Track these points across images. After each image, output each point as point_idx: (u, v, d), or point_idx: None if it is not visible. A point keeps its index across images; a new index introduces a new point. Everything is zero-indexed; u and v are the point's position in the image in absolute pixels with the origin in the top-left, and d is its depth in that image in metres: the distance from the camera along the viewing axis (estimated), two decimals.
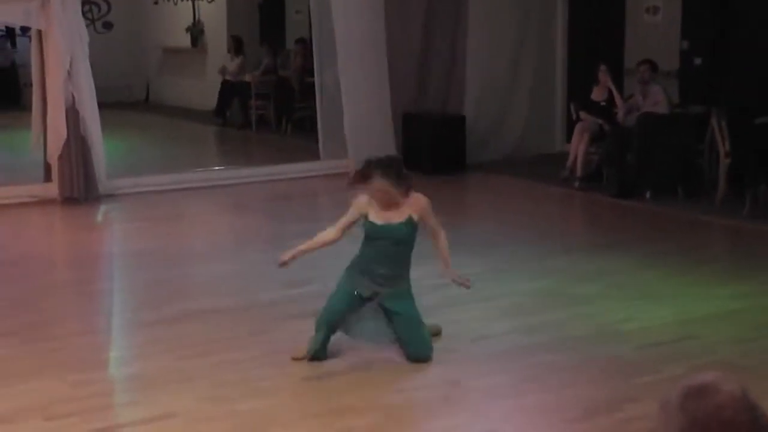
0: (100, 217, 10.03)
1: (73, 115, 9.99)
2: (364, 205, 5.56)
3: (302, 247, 5.75)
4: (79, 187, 10.08)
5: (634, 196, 9.91)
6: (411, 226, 5.52)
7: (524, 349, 5.70)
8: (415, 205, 5.54)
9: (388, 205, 5.49)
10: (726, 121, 9.35)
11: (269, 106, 15.78)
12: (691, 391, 1.66)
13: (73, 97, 9.98)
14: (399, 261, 5.57)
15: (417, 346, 5.51)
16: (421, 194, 5.61)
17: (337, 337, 5.67)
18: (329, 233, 5.69)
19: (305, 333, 6.00)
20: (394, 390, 5.12)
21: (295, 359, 5.54)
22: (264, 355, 5.66)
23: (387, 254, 5.53)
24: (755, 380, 4.74)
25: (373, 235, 5.53)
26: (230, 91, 16.18)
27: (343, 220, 5.65)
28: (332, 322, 5.54)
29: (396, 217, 5.51)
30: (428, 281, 6.43)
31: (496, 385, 5.22)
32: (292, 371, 5.38)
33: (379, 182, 5.43)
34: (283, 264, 5.70)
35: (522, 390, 5.12)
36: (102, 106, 10.62)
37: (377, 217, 5.52)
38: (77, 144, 10.03)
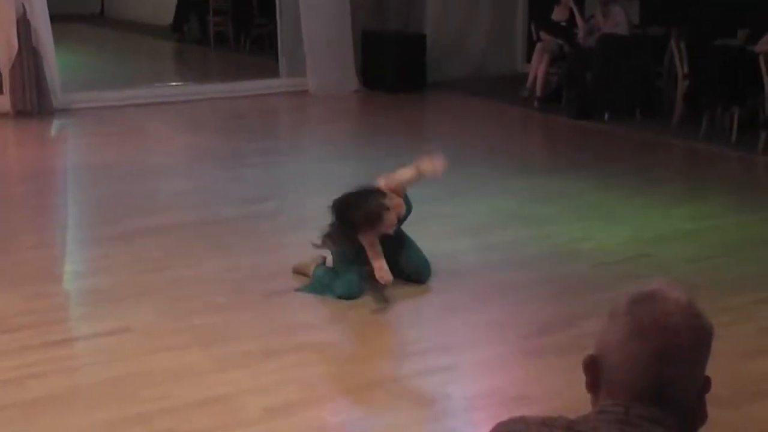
0: (54, 132, 9.90)
1: (24, 26, 9.78)
2: None
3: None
4: (32, 101, 9.92)
5: (592, 117, 9.93)
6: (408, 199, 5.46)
7: (481, 267, 5.73)
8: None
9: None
10: (685, 43, 9.35)
11: (228, 22, 15.56)
12: (639, 299, 1.68)
13: (24, 7, 9.76)
14: None
15: (427, 269, 5.50)
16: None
17: (297, 257, 5.69)
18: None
19: (262, 249, 6.01)
20: (352, 307, 5.14)
21: (296, 273, 5.52)
22: (222, 270, 5.65)
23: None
24: (707, 298, 4.81)
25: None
26: (188, 6, 15.94)
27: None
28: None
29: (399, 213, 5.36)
30: None
31: (452, 302, 5.25)
32: (250, 287, 5.38)
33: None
34: None
35: (477, 307, 5.16)
36: (54, 18, 10.41)
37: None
38: (29, 56, 9.84)
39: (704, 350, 1.68)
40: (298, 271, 5.51)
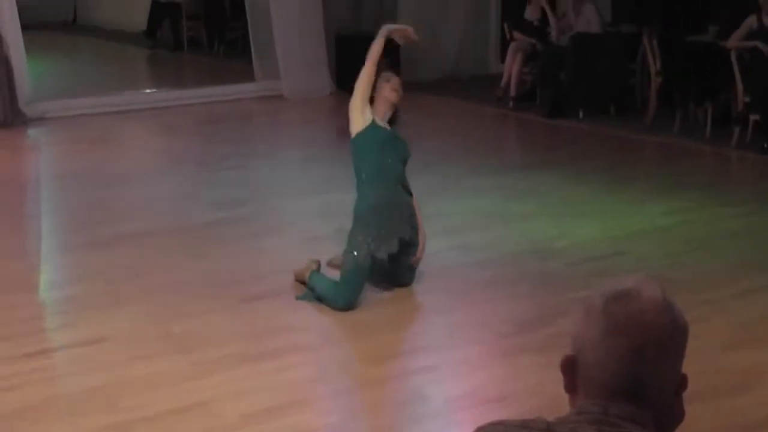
0: (28, 141, 9.82)
1: None
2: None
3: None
4: (4, 111, 9.83)
5: (567, 115, 9.96)
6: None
7: (458, 266, 5.74)
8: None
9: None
10: (657, 40, 9.40)
11: (201, 27, 15.51)
12: (614, 296, 1.68)
13: None
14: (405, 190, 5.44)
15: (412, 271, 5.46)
16: None
17: (274, 261, 5.68)
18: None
19: (239, 254, 5.99)
20: (331, 312, 5.12)
21: (297, 280, 5.40)
22: (199, 277, 5.63)
23: (397, 179, 5.36)
24: (683, 293, 4.83)
25: (387, 144, 5.26)
26: (161, 11, 15.84)
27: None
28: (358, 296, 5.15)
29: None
30: None
31: (430, 302, 5.25)
32: (227, 293, 5.36)
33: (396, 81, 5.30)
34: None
35: (455, 306, 5.17)
36: (27, 27, 10.34)
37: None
38: (1, 66, 9.75)
39: (680, 347, 1.68)
40: (298, 279, 5.39)
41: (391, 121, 5.38)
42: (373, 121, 5.28)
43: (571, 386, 1.72)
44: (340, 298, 5.07)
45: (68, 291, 5.53)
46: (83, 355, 4.63)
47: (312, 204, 6.96)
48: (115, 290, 5.43)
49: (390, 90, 5.30)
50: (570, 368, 1.70)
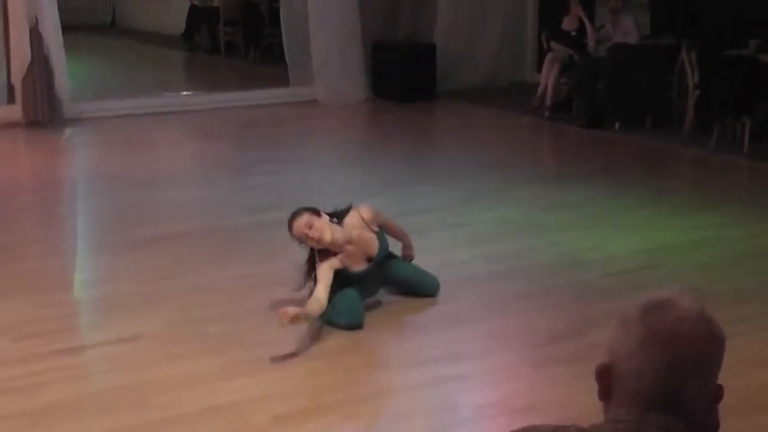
0: (65, 141, 9.92)
1: (36, 36, 9.82)
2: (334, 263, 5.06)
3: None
4: (43, 111, 9.94)
5: (603, 126, 9.91)
6: (383, 236, 5.26)
7: (489, 276, 5.72)
8: (363, 218, 5.22)
9: (353, 247, 5.13)
10: (696, 53, 9.33)
11: (238, 32, 15.60)
12: (651, 306, 1.68)
13: (36, 18, 9.80)
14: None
15: (430, 280, 5.42)
16: (359, 207, 5.29)
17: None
18: (321, 300, 4.88)
19: (272, 258, 6.00)
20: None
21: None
22: (231, 279, 5.66)
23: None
24: (718, 307, 4.75)
25: (369, 282, 5.19)
26: (198, 16, 15.97)
27: (322, 285, 4.95)
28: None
29: (368, 249, 5.18)
30: (393, 208, 6.45)
31: (460, 311, 5.24)
32: (259, 296, 5.37)
33: (320, 222, 5.10)
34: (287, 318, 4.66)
35: (486, 316, 5.15)
36: (66, 28, 10.45)
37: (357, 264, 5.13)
38: (41, 67, 9.87)
39: (716, 358, 1.67)
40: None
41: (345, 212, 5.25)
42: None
43: (605, 394, 1.71)
44: (343, 317, 4.97)
45: (102, 290, 5.57)
46: (116, 353, 4.66)
47: None
48: (148, 290, 5.46)
49: (312, 236, 5.07)
50: (605, 376, 1.70)
